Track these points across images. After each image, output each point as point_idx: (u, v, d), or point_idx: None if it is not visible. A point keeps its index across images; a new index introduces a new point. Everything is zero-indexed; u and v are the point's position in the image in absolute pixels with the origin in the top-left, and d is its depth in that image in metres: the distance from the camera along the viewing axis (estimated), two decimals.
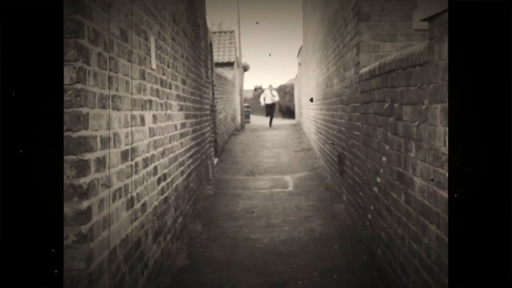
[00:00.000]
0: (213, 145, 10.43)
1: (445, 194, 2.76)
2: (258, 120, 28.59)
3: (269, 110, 24.97)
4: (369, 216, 4.98)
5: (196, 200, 6.90)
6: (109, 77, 2.90)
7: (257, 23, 76.68)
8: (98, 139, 2.70)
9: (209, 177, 9.07)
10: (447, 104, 2.69)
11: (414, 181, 3.39)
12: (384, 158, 4.29)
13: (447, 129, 2.70)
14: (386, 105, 4.17)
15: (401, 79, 3.68)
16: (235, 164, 11.46)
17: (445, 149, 2.74)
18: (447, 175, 2.72)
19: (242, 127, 21.72)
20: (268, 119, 24.86)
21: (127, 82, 3.29)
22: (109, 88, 2.89)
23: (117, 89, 3.05)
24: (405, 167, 3.61)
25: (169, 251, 4.72)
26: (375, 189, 4.66)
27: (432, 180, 2.96)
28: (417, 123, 3.27)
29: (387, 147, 4.19)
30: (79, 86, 2.43)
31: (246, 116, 25.22)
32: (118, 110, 3.08)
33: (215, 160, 11.09)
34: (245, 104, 26.06)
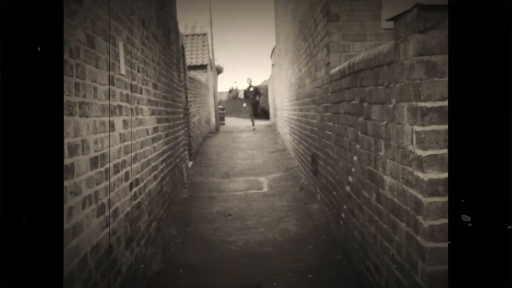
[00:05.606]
0: (187, 148, 10.40)
1: (413, 192, 2.80)
2: (233, 122, 28.57)
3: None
4: (343, 215, 5.02)
5: (171, 204, 6.87)
6: (76, 84, 2.87)
7: None
8: (66, 147, 2.67)
9: (184, 180, 9.04)
10: (413, 102, 2.73)
11: (384, 180, 3.43)
12: (355, 158, 4.33)
13: (414, 127, 2.74)
14: (356, 104, 4.21)
15: (370, 79, 3.72)
16: (210, 166, 11.43)
17: (412, 148, 2.78)
18: (415, 173, 2.76)
19: (217, 129, 21.69)
20: (245, 120, 24.20)
21: (95, 89, 3.26)
22: (76, 95, 2.86)
23: (84, 96, 3.02)
24: (376, 166, 3.65)
25: (143, 256, 4.69)
26: (348, 188, 4.70)
27: None
28: (385, 122, 3.31)
29: (358, 146, 4.22)
30: None
31: (220, 118, 25.16)
32: (86, 116, 3.05)
33: (190, 163, 11.05)
34: (220, 106, 26.01)
